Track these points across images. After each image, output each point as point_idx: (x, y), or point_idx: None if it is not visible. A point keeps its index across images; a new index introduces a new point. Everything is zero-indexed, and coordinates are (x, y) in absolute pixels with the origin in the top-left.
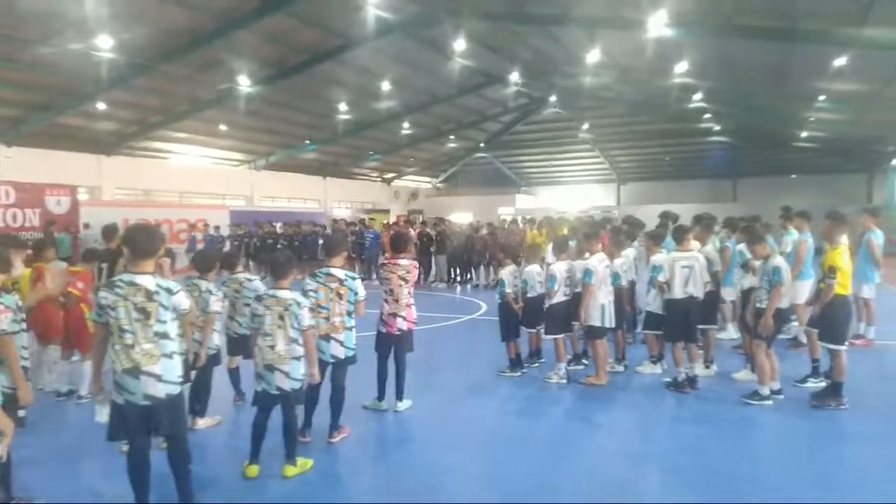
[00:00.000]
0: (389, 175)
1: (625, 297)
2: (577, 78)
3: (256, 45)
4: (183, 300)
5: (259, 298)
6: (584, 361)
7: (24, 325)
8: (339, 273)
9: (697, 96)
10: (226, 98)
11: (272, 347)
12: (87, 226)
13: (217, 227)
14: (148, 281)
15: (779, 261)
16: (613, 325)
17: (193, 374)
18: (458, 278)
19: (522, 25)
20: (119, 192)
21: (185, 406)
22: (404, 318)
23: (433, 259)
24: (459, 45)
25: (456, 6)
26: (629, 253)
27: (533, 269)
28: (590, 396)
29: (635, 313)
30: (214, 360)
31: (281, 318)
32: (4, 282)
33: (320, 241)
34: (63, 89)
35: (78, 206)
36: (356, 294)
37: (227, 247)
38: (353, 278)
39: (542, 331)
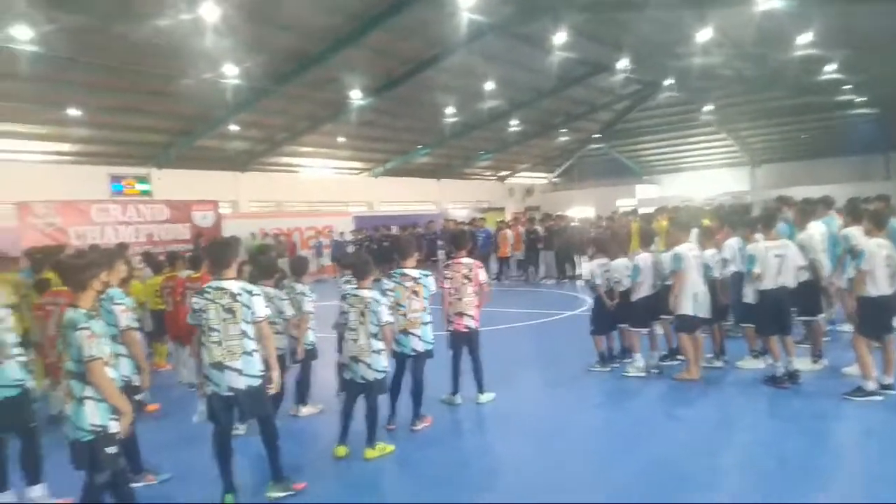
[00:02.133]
0: (503, 173)
1: (719, 288)
2: (690, 58)
3: (363, 60)
4: (259, 303)
5: (344, 297)
6: (680, 357)
7: (138, 324)
8: (414, 272)
9: (830, 67)
10: (341, 112)
11: (356, 341)
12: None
13: (342, 233)
14: (232, 285)
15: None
16: (708, 317)
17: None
18: (570, 274)
19: (621, 12)
20: (254, 205)
21: (266, 394)
22: (472, 317)
23: (541, 255)
24: (559, 38)
25: (551, 2)
26: (732, 242)
27: (620, 262)
28: (677, 391)
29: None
30: (311, 354)
31: (362, 314)
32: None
33: (438, 242)
34: (200, 115)
35: (220, 219)
36: (430, 290)
37: (351, 250)
38: (427, 276)
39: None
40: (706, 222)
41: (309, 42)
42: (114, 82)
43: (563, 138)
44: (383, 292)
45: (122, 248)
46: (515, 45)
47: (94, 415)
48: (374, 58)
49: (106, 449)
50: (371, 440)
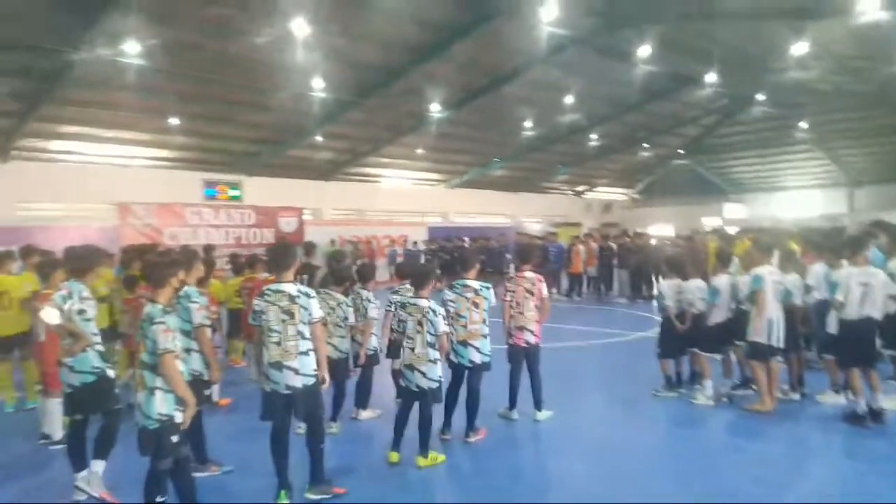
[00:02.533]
0: (581, 188)
1: (799, 316)
2: (784, 72)
3: (444, 73)
4: (315, 305)
5: (403, 306)
6: (754, 387)
7: (209, 322)
8: (475, 284)
9: None
10: (421, 124)
11: (412, 349)
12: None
13: (415, 243)
14: (290, 288)
15: None
16: (782, 346)
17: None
18: (645, 293)
19: (711, 23)
20: (336, 213)
21: (320, 395)
22: (532, 332)
23: (615, 273)
24: (644, 50)
25: (635, 13)
26: (818, 268)
27: (694, 283)
28: (746, 422)
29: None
30: (373, 359)
31: (419, 324)
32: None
33: (507, 255)
34: (288, 126)
35: (303, 225)
36: (490, 303)
37: (423, 260)
38: (487, 288)
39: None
40: (791, 245)
41: (393, 55)
42: (210, 94)
43: (645, 153)
44: (444, 303)
45: (209, 249)
46: (597, 57)
47: (162, 404)
48: (455, 70)
49: (170, 437)
50: (423, 448)
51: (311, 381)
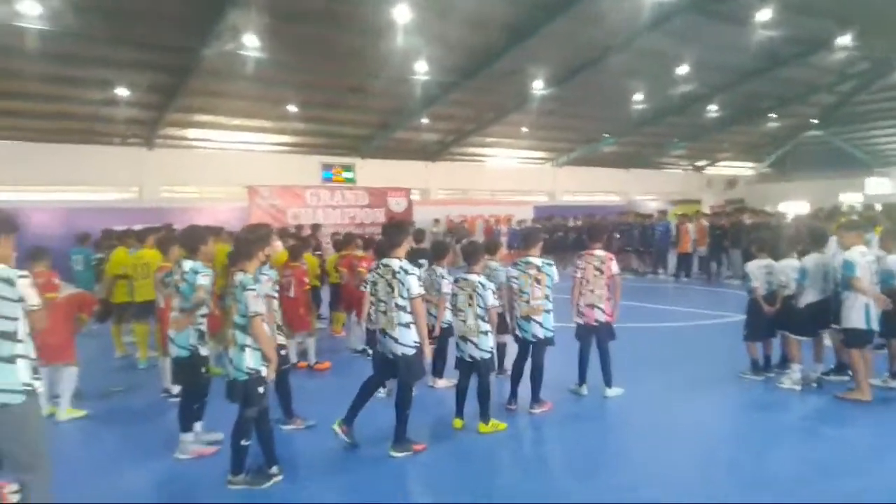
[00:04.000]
0: (701, 162)
1: None
2: None
3: (546, 50)
4: (414, 282)
5: (456, 280)
6: (850, 373)
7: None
8: (537, 261)
9: None
10: (524, 102)
11: (464, 322)
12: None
13: (520, 222)
14: (395, 263)
15: None
16: (878, 330)
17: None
18: None
19: None
20: (442, 192)
21: (418, 364)
22: (602, 311)
23: (726, 253)
24: (763, 14)
25: None
26: None
27: (787, 263)
28: (836, 409)
29: None
30: (448, 332)
31: (470, 297)
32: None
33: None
34: (396, 110)
35: (411, 205)
36: (552, 279)
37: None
38: (550, 265)
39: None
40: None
41: (494, 35)
42: (323, 82)
43: (772, 124)
44: (508, 279)
45: (315, 228)
46: (711, 24)
47: (251, 360)
48: (557, 47)
49: (257, 388)
50: (484, 416)
51: (411, 351)
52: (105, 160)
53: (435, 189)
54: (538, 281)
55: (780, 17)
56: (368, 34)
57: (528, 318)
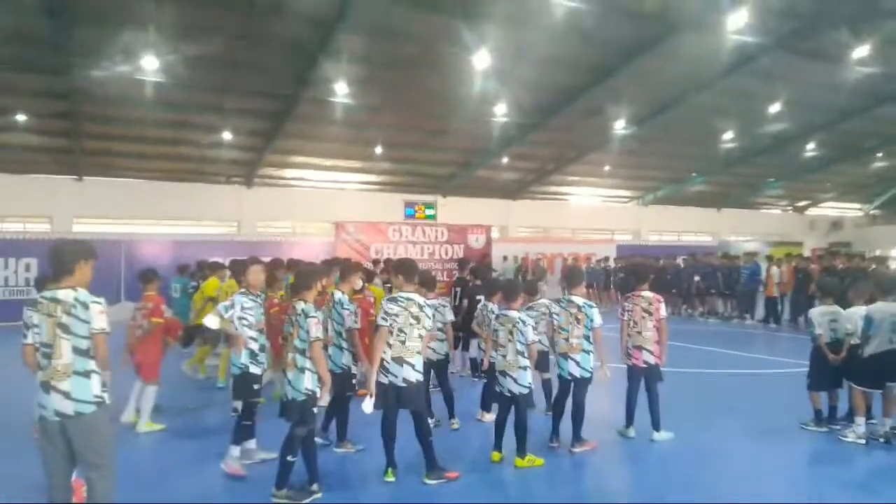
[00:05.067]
0: (801, 203)
1: None
2: None
3: (628, 88)
4: (429, 315)
5: (496, 317)
6: None
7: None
8: (579, 301)
9: None
10: (606, 141)
11: (504, 357)
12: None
13: (601, 260)
14: (418, 297)
15: None
16: None
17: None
18: None
19: None
20: (523, 230)
21: (425, 391)
22: (650, 353)
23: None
24: (860, 51)
25: (844, 12)
26: None
27: (855, 311)
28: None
29: None
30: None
31: (510, 333)
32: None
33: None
34: (477, 150)
35: (491, 242)
36: (592, 321)
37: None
38: (591, 306)
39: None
40: None
41: (575, 75)
42: (408, 123)
43: (879, 164)
44: (552, 315)
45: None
46: (803, 62)
47: (309, 381)
48: (639, 86)
49: (312, 408)
50: (521, 450)
51: (422, 377)
52: (210, 197)
53: (514, 226)
54: (578, 320)
55: (878, 53)
56: (451, 78)
57: (565, 356)
